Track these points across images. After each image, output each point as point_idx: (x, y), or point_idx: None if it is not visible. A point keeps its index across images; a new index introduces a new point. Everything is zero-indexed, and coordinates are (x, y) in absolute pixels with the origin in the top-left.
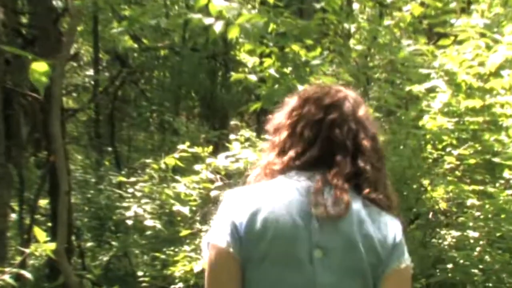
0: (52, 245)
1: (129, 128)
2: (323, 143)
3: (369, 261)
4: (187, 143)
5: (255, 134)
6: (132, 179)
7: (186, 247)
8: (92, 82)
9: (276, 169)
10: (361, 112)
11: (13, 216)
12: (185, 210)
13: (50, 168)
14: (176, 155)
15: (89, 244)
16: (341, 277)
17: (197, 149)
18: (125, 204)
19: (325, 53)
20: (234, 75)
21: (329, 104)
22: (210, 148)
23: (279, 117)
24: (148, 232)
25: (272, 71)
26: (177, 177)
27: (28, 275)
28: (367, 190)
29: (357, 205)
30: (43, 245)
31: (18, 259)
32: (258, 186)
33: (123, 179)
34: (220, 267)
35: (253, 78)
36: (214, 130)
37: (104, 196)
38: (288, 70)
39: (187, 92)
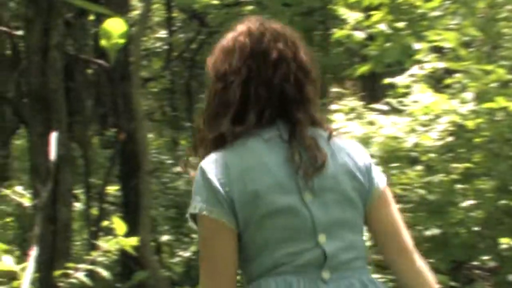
0: (134, 240)
1: None
2: (278, 99)
3: (353, 187)
4: None
5: (361, 103)
6: None
7: None
8: (165, 46)
9: (237, 132)
10: (301, 54)
11: (78, 205)
12: None
13: (121, 148)
14: None
15: (166, 237)
16: (334, 210)
17: None
18: None
19: (447, 3)
20: (337, 32)
21: (277, 59)
22: None
23: (221, 65)
24: None
25: (382, 26)
26: None
27: (104, 272)
28: (320, 126)
29: (325, 144)
30: (122, 240)
31: (85, 255)
32: (231, 150)
33: None
34: (217, 240)
35: (359, 35)
36: None
37: (183, 180)
38: (402, 24)
39: None
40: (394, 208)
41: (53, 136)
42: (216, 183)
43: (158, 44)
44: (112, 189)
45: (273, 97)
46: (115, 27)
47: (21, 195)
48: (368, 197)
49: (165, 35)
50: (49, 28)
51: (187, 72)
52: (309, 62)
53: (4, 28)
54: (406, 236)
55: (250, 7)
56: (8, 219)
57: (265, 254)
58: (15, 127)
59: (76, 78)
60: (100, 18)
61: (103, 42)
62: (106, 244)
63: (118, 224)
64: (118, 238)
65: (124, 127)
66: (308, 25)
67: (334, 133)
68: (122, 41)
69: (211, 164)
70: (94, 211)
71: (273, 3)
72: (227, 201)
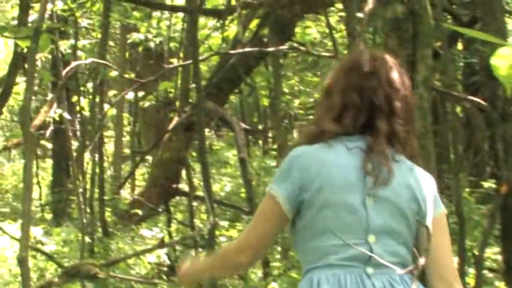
0: None
1: None
2: (367, 108)
3: (411, 208)
4: None
5: None
6: None
7: None
8: None
9: (333, 132)
10: (394, 75)
11: None
12: None
13: (502, 202)
14: None
15: None
16: (388, 218)
17: None
18: None
19: None
20: None
21: (368, 72)
22: None
23: (329, 81)
24: None
25: None
26: None
27: None
28: (400, 149)
29: (398, 163)
30: None
31: None
32: (318, 147)
33: None
34: (268, 214)
35: None
36: None
37: None
38: None
39: None
40: (447, 235)
41: None
42: (295, 168)
43: None
44: (492, 252)
45: (364, 104)
46: (508, 56)
47: None
48: (425, 218)
49: None
50: (415, 60)
51: None
52: (401, 84)
53: None
54: (452, 265)
55: None
56: None
57: (318, 241)
58: None
59: (444, 118)
60: (470, 48)
61: (497, 73)
62: None
63: None
64: None
65: (506, 177)
66: None
67: (410, 157)
68: None
69: (298, 153)
70: (470, 278)
71: None
72: (295, 186)
